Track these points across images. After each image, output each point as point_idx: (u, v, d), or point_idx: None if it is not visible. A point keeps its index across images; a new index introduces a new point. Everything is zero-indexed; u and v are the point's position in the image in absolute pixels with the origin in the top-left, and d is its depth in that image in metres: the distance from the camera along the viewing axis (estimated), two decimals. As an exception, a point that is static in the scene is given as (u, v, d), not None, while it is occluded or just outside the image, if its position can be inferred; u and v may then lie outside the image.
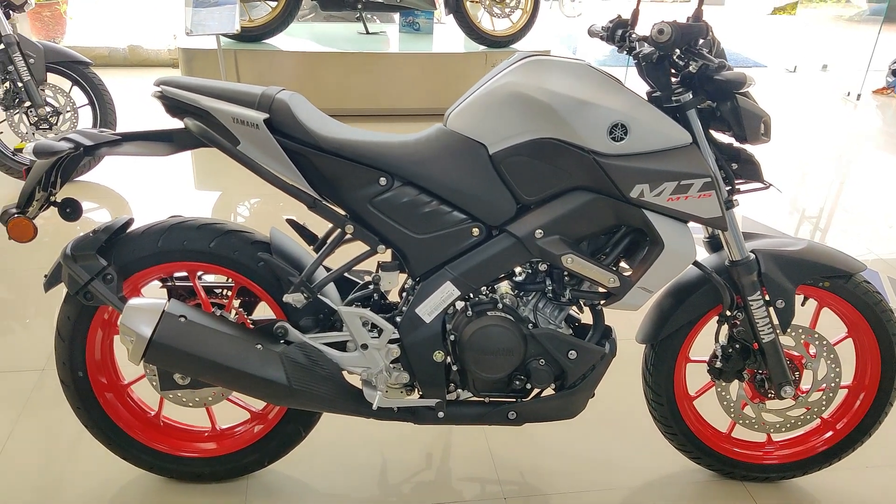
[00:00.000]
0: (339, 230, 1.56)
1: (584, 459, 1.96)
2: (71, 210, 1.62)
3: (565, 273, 1.61)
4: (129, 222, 1.62)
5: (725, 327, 1.77)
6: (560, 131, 1.47)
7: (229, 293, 1.68)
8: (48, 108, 3.40)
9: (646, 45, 1.56)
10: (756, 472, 1.89)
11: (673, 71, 1.54)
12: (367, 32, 4.80)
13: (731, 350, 1.75)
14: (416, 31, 4.85)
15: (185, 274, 1.66)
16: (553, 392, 1.66)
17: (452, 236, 1.55)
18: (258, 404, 1.82)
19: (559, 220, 1.52)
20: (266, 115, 1.46)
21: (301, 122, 1.49)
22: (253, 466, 1.76)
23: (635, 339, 1.81)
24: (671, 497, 1.86)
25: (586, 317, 1.71)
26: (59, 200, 1.58)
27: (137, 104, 4.79)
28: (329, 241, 1.59)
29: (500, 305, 1.61)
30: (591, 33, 1.83)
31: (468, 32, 4.57)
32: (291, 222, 1.75)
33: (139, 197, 3.48)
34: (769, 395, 1.78)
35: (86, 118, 3.56)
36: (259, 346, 1.50)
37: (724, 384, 1.82)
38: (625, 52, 1.64)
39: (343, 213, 1.56)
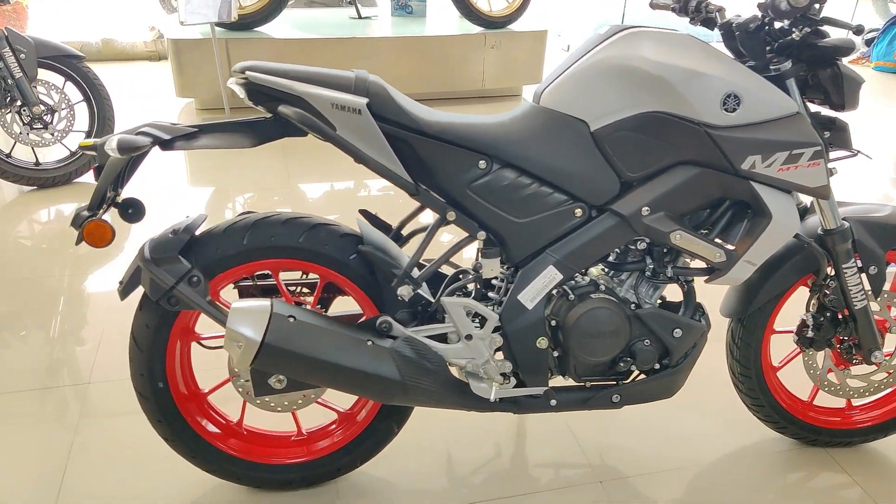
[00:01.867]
0: (436, 218, 1.50)
1: (667, 437, 1.94)
2: (133, 211, 1.52)
3: (665, 251, 1.57)
4: (203, 220, 1.52)
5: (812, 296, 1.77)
6: (669, 104, 1.42)
7: (304, 290, 1.60)
8: (42, 107, 3.21)
9: (718, 13, 1.55)
10: (839, 437, 1.89)
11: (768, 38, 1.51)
12: (360, 17, 4.68)
13: (821, 318, 1.74)
14: (409, 14, 4.74)
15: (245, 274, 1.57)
16: (646, 373, 1.63)
17: (554, 218, 1.50)
18: (345, 405, 1.74)
19: (665, 196, 1.49)
20: (367, 100, 1.38)
21: (402, 106, 1.41)
22: (346, 468, 1.69)
23: (721, 314, 1.79)
24: (760, 468, 1.85)
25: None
26: (120, 200, 1.48)
27: (125, 100, 4.59)
28: (428, 230, 1.52)
29: (601, 287, 1.57)
30: (655, 5, 1.79)
31: (464, 13, 4.48)
32: (364, 213, 1.68)
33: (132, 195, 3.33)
34: (854, 361, 1.78)
35: (82, 116, 3.38)
36: (370, 342, 1.43)
37: (811, 352, 1.81)
38: (698, 24, 1.61)
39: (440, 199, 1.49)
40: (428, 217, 1.76)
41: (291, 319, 1.38)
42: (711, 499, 1.75)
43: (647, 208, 1.48)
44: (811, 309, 1.76)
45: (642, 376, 1.64)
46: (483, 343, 1.53)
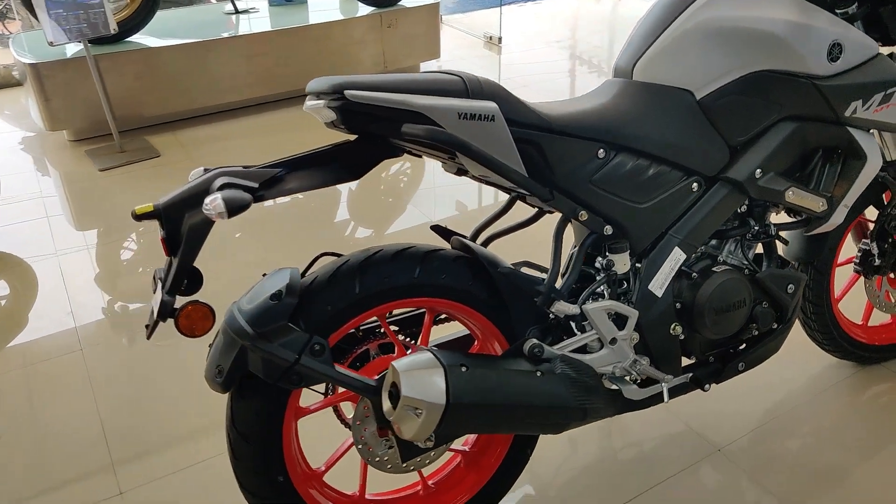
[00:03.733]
0: (557, 224, 1.36)
1: (753, 391, 1.95)
2: (191, 281, 1.25)
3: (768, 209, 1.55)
4: (298, 274, 1.28)
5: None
6: (777, 61, 1.38)
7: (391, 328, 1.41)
8: None
9: None
10: (892, 350, 2.01)
11: None
12: (237, 11, 4.25)
13: (886, 245, 1.81)
14: (289, 3, 4.38)
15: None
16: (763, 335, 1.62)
17: (674, 197, 1.42)
18: (465, 444, 1.57)
19: (774, 155, 1.45)
20: (495, 103, 1.20)
21: (525, 103, 1.25)
22: (488, 508, 1.53)
23: (790, 259, 1.81)
24: (834, 397, 1.92)
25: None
26: None
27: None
28: (579, 244, 1.38)
29: (720, 259, 1.52)
30: None
31: (352, -7, 4.22)
32: (437, 228, 1.51)
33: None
34: (909, 280, 1.88)
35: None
36: (538, 373, 1.27)
37: (872, 279, 1.89)
38: None
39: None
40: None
41: (464, 369, 1.19)
42: (819, 434, 1.79)
43: (759, 170, 1.44)
44: (873, 238, 1.83)
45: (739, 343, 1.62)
46: (626, 343, 1.43)
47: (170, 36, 3.85)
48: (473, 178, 1.37)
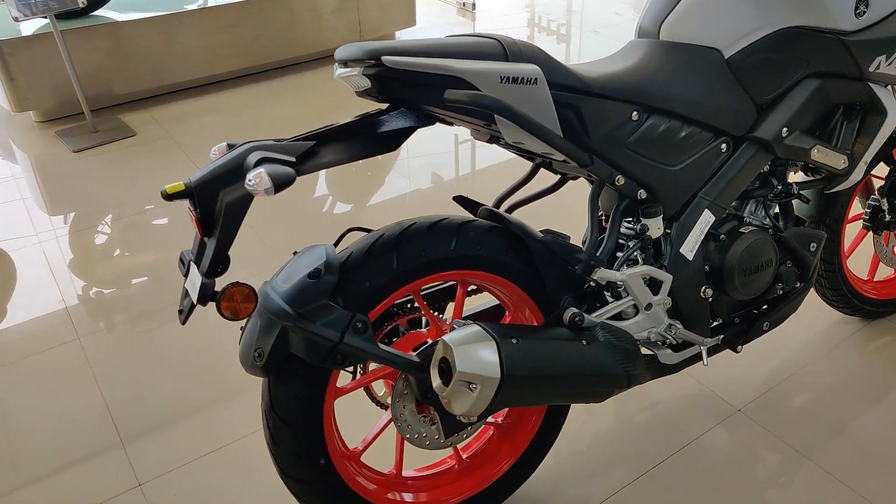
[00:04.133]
0: (591, 190, 1.34)
1: (768, 352, 1.97)
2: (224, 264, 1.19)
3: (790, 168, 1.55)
4: (334, 251, 1.23)
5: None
6: (806, 16, 1.36)
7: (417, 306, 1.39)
8: None
9: None
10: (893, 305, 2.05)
11: None
12: (205, -19, 4.08)
13: (895, 201, 1.83)
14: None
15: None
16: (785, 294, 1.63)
17: (704, 158, 1.40)
18: (496, 416, 1.55)
19: (799, 113, 1.44)
20: (537, 66, 1.16)
21: (566, 66, 1.21)
22: (522, 478, 1.52)
23: (804, 217, 1.81)
24: (844, 352, 1.95)
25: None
26: None
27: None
28: (616, 209, 1.35)
29: (745, 220, 1.51)
30: None
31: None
32: (460, 199, 1.47)
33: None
34: (913, 235, 1.91)
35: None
36: (583, 341, 1.25)
37: (881, 234, 1.91)
38: None
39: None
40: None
41: (515, 342, 1.16)
42: (833, 389, 1.82)
43: (785, 129, 1.43)
44: (884, 194, 1.84)
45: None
46: (660, 308, 1.42)
47: (139, 9, 3.68)
48: (505, 145, 1.33)
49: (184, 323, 1.14)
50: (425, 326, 1.42)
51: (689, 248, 1.43)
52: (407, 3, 4.41)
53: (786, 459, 1.65)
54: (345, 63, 1.16)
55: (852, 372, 1.89)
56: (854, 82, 1.47)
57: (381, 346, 1.20)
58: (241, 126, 3.49)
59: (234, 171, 1.09)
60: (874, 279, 2.03)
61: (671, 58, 1.37)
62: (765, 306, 1.60)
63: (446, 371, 1.15)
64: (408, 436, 1.34)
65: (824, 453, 1.66)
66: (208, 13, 3.71)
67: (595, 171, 1.28)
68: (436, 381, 1.16)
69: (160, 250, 2.55)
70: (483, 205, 1.50)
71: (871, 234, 1.91)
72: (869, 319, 2.06)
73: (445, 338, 1.14)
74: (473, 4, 5.31)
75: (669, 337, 1.42)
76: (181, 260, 1.18)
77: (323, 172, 3.07)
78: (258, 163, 1.06)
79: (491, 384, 1.12)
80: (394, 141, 1.20)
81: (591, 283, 1.34)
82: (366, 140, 1.18)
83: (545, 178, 1.49)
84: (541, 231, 1.49)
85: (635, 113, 1.31)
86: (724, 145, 1.41)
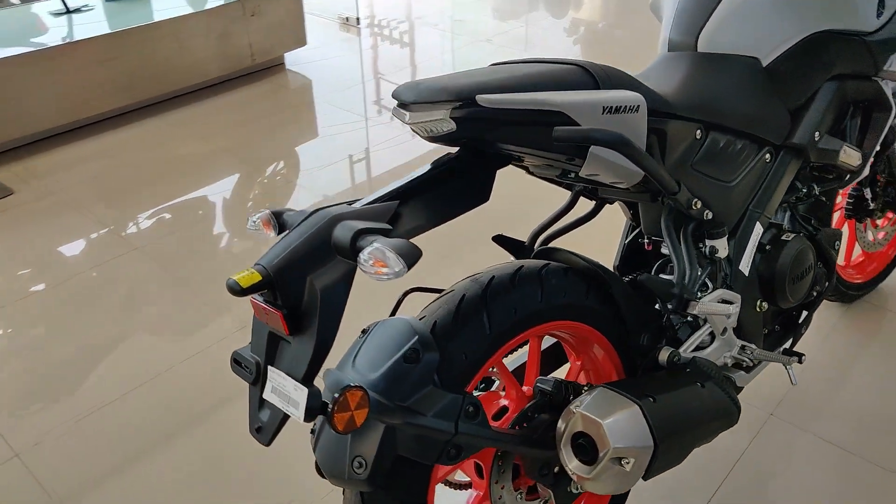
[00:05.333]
0: (666, 214, 1.26)
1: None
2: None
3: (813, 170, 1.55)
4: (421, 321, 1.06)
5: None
6: (836, 20, 1.36)
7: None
8: None
9: None
10: (871, 285, 2.14)
11: None
12: (68, 10, 3.60)
13: (877, 189, 1.90)
14: (127, -4, 3.79)
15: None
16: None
17: (754, 171, 1.37)
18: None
19: (826, 116, 1.44)
20: (640, 94, 1.05)
21: (648, 87, 1.11)
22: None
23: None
24: (840, 338, 2.01)
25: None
26: None
27: None
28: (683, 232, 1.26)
29: (785, 226, 1.49)
30: None
31: (204, -19, 3.73)
32: (500, 239, 1.35)
33: None
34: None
35: None
36: (698, 384, 1.15)
37: (861, 223, 1.98)
38: None
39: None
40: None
41: (652, 401, 1.04)
42: (844, 376, 1.86)
43: (817, 133, 1.42)
44: (865, 184, 1.91)
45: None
46: (731, 331, 1.36)
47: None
48: (570, 183, 1.22)
49: (269, 443, 0.92)
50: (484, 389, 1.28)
51: (746, 264, 1.38)
52: (296, 23, 4.16)
53: (835, 457, 1.65)
54: (414, 105, 0.98)
55: (857, 355, 1.94)
56: (867, 81, 1.49)
57: (495, 428, 1.04)
58: (138, 171, 3.11)
59: (320, 250, 0.89)
60: (850, 264, 2.12)
61: (715, 70, 1.31)
62: (802, 310, 1.59)
63: (586, 448, 1.01)
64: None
65: (869, 445, 1.68)
66: (84, 46, 3.27)
67: (679, 197, 1.19)
68: (572, 462, 1.02)
69: (79, 334, 2.18)
70: (522, 242, 1.38)
71: (848, 222, 1.98)
72: (848, 303, 2.14)
73: (581, 410, 1.00)
74: (357, 19, 5.13)
75: (745, 359, 1.36)
76: (237, 362, 0.96)
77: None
78: (357, 237, 0.87)
79: (645, 454, 1.00)
80: (483, 190, 1.04)
81: (682, 317, 1.25)
82: (453, 192, 1.02)
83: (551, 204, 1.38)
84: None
85: (699, 131, 1.23)
86: (767, 155, 1.38)
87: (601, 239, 1.85)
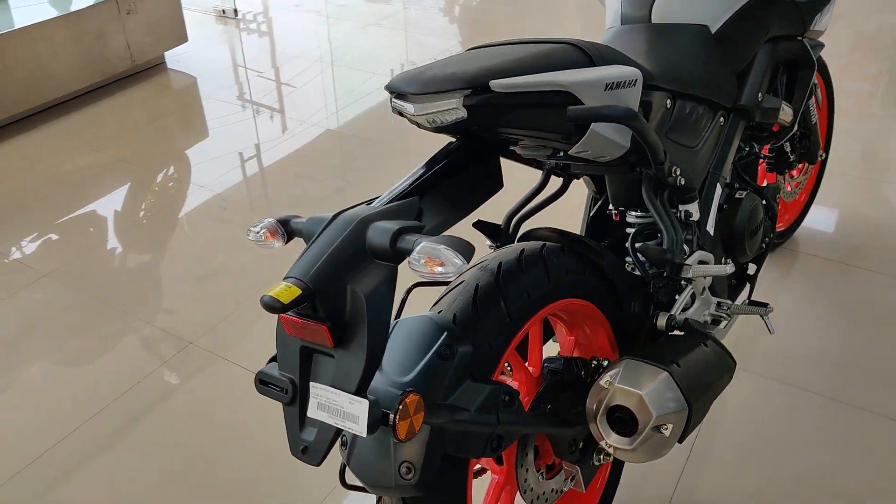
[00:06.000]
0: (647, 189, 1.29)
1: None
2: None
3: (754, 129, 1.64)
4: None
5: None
6: None
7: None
8: None
9: None
10: (790, 232, 2.31)
11: None
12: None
13: (795, 142, 2.04)
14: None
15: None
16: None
17: (712, 135, 1.43)
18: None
19: (765, 77, 1.53)
20: (636, 68, 1.06)
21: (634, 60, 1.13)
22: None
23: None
24: (783, 289, 2.16)
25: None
26: None
27: None
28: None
29: (735, 186, 1.57)
30: None
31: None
32: (480, 224, 1.35)
33: None
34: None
35: None
36: (702, 344, 1.19)
37: (781, 175, 2.13)
38: None
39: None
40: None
41: (677, 366, 1.06)
42: (799, 322, 2.00)
43: (760, 94, 1.51)
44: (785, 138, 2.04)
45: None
46: (707, 290, 1.42)
47: None
48: (552, 162, 1.23)
49: (320, 463, 0.87)
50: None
51: (711, 224, 1.45)
52: (175, 18, 3.90)
53: (812, 404, 1.78)
54: (420, 97, 0.94)
55: (801, 302, 2.09)
56: (794, 41, 1.59)
57: (530, 413, 1.03)
58: (22, 192, 2.82)
59: (356, 255, 0.84)
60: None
61: (672, 39, 1.36)
62: (750, 262, 1.69)
63: (625, 420, 1.02)
64: (532, 500, 1.18)
65: (836, 387, 1.82)
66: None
67: (665, 165, 1.22)
68: (611, 436, 1.03)
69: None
70: (498, 225, 1.38)
71: (767, 176, 2.12)
72: (772, 251, 2.30)
73: (617, 384, 1.01)
74: (235, 10, 4.89)
75: (722, 315, 1.43)
76: (264, 383, 0.90)
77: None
78: (396, 237, 0.83)
79: (681, 419, 1.02)
80: (495, 177, 1.02)
81: (672, 282, 1.29)
82: (468, 183, 1.00)
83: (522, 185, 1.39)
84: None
85: (669, 100, 1.27)
86: (722, 119, 1.45)
87: (558, 213, 1.88)
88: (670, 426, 1.02)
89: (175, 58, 4.11)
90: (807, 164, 2.21)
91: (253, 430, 1.76)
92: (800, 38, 1.61)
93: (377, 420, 0.81)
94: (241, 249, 2.47)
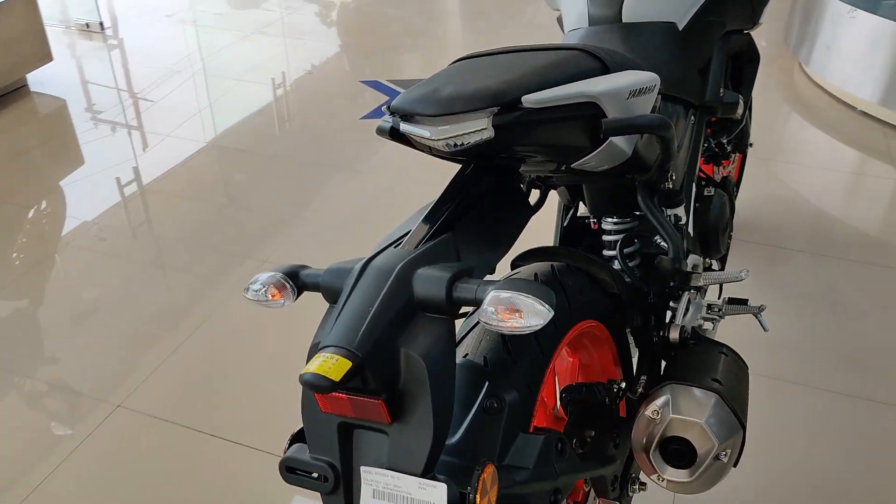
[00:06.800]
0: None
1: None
2: None
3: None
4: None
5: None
6: None
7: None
8: None
9: None
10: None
11: None
12: None
13: (724, 133, 2.07)
14: None
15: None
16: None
17: (687, 133, 1.40)
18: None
19: (722, 71, 1.52)
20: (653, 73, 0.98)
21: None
22: None
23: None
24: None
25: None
26: None
27: None
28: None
29: (703, 182, 1.55)
30: None
31: None
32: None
33: None
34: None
35: None
36: (721, 353, 1.13)
37: (718, 165, 2.16)
38: None
39: None
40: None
41: (720, 385, 1.00)
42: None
43: (721, 89, 1.50)
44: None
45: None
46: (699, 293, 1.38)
47: None
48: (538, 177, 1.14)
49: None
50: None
51: (691, 225, 1.42)
52: (37, 36, 3.48)
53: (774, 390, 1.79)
54: (440, 118, 0.81)
55: (746, 287, 2.12)
56: (742, 34, 1.59)
57: (581, 456, 0.93)
58: None
59: (404, 311, 0.71)
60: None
61: (645, 39, 1.31)
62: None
63: (682, 452, 0.95)
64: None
65: (788, 369, 1.85)
66: None
67: (668, 171, 1.16)
68: (667, 470, 0.95)
69: None
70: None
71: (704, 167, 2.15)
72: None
73: (672, 413, 0.93)
74: (101, 24, 4.46)
75: (716, 316, 1.40)
76: (293, 470, 0.75)
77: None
78: (451, 286, 0.70)
79: (737, 442, 0.96)
80: (520, 200, 0.92)
81: (680, 291, 1.23)
82: (498, 212, 0.88)
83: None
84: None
85: (657, 101, 1.22)
86: (692, 116, 1.42)
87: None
88: (729, 451, 0.96)
89: (39, 80, 3.68)
90: (735, 154, 2.26)
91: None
92: (747, 31, 1.62)
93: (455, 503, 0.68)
94: (122, 283, 2.21)
